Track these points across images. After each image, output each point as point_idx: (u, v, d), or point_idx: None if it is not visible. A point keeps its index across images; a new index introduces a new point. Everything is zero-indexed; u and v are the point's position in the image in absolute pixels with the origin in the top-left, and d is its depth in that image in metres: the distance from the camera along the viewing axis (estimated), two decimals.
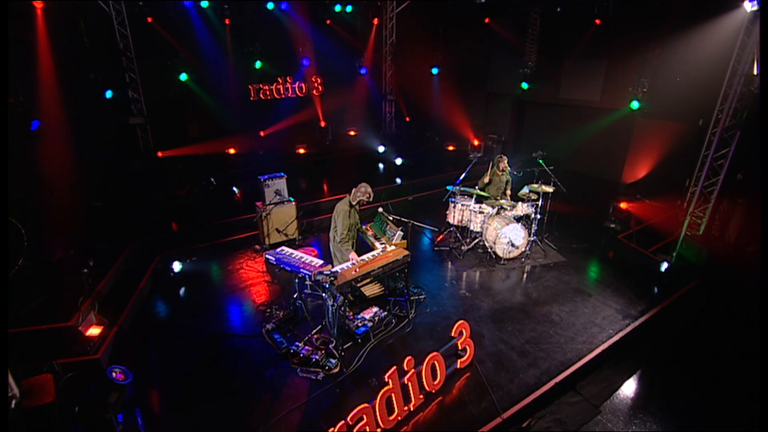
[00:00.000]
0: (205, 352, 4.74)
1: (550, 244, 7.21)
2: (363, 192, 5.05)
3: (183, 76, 10.10)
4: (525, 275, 6.43)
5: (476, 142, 12.46)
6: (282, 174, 7.14)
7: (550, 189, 6.75)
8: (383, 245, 5.31)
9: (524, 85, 11.11)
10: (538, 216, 6.81)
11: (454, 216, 7.17)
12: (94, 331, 4.78)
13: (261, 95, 11.91)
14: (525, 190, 6.85)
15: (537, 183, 6.85)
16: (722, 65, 6.48)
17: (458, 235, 7.24)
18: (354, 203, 5.10)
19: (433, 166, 11.71)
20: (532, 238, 6.88)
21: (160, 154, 10.00)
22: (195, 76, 10.34)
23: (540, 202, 6.78)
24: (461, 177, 6.96)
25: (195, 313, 5.44)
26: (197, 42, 10.32)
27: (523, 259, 6.76)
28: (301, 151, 12.26)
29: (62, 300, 4.96)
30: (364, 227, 5.62)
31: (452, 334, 4.52)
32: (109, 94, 8.87)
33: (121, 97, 9.36)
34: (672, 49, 8.40)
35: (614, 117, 9.93)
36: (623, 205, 8.38)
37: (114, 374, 3.98)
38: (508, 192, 7.40)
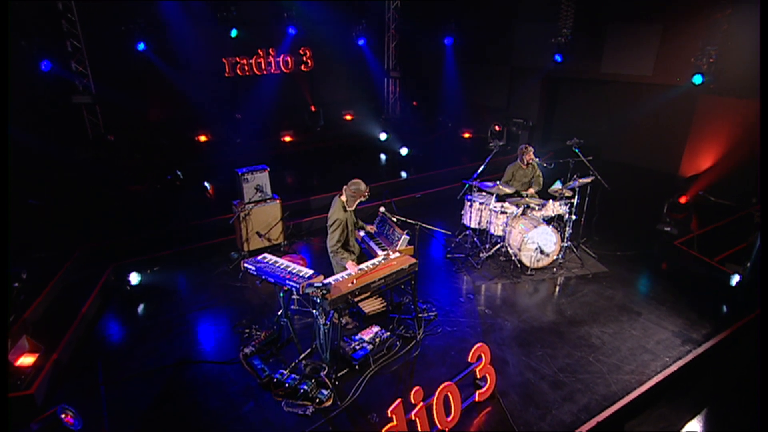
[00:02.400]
0: (168, 383, 4.74)
1: (589, 251, 7.21)
2: (354, 191, 5.06)
3: (141, 46, 10.01)
4: (557, 288, 6.43)
5: (498, 128, 12.49)
6: (264, 166, 7.18)
7: (588, 181, 6.76)
8: (386, 252, 5.32)
9: (557, 58, 11.10)
10: (574, 217, 6.82)
11: (470, 217, 7.18)
12: (26, 360, 4.70)
13: (238, 71, 11.97)
14: (557, 185, 6.86)
15: (572, 177, 6.86)
16: None
17: (476, 239, 7.25)
18: (352, 208, 5.13)
19: (445, 157, 11.75)
20: (565, 244, 6.88)
21: (111, 138, 9.97)
22: (156, 45, 10.31)
23: (576, 200, 6.78)
24: (479, 170, 6.99)
25: (156, 335, 5.45)
26: (159, 3, 10.24)
27: (554, 269, 6.76)
28: (287, 139, 12.33)
29: None
30: (365, 226, 5.62)
31: (469, 360, 4.52)
32: (46, 66, 8.69)
33: (62, 70, 9.26)
34: (746, 8, 8.27)
35: (671, 95, 9.89)
36: (682, 202, 8.34)
37: (64, 416, 3.92)
38: (532, 190, 7.41)
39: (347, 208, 5.12)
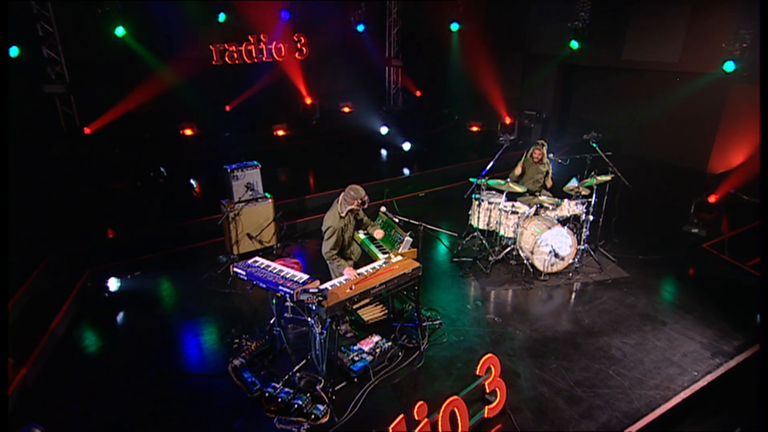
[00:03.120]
0: (149, 399, 4.74)
1: (608, 255, 7.22)
2: (351, 199, 5.07)
3: (120, 31, 9.99)
4: (573, 295, 6.43)
5: (508, 121, 12.51)
6: (255, 163, 7.20)
7: (607, 178, 6.77)
8: (387, 255, 5.33)
9: (574, 44, 11.10)
10: (591, 217, 6.83)
11: (478, 217, 7.20)
12: None
13: (226, 58, 12.01)
14: (573, 183, 6.87)
15: (590, 174, 6.87)
16: None
17: (484, 242, 7.26)
18: (344, 215, 5.15)
19: (451, 152, 11.77)
20: (582, 247, 6.89)
21: (87, 131, 9.96)
22: (136, 30, 10.31)
23: (593, 199, 6.79)
24: (488, 167, 6.99)
25: (137, 346, 5.46)
26: None
27: (570, 274, 6.77)
28: (281, 132, 12.37)
29: None
30: (371, 224, 5.63)
31: (477, 372, 4.52)
32: (14, 51, 8.60)
33: (32, 56, 9.21)
34: None
35: (699, 84, 9.87)
36: (711, 200, 8.32)
37: None
38: (549, 184, 7.42)
39: (342, 215, 5.14)
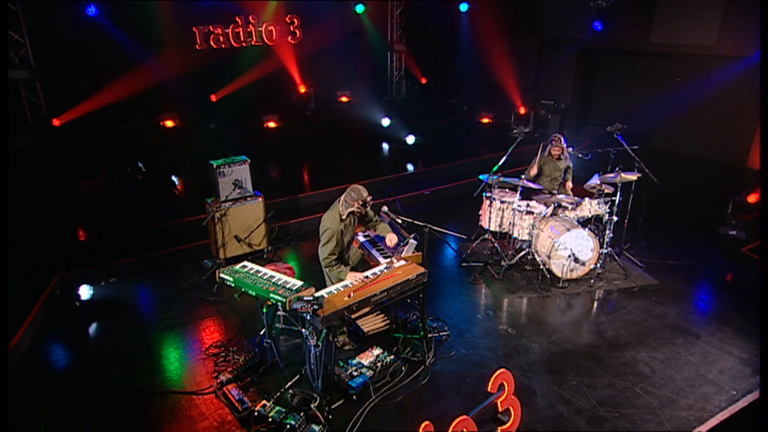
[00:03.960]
0: (125, 419, 4.75)
1: (634, 259, 7.22)
2: (352, 201, 5.09)
3: (92, 10, 9.99)
4: (595, 304, 6.43)
5: (523, 111, 12.52)
6: (244, 158, 7.22)
7: (633, 178, 6.76)
8: (389, 259, 5.34)
9: (597, 26, 11.09)
10: (615, 218, 6.83)
11: (490, 218, 7.20)
12: None
13: (212, 42, 12.05)
14: (595, 180, 6.88)
15: (613, 170, 6.87)
16: None
17: (496, 245, 7.27)
18: (345, 217, 5.17)
19: (459, 146, 11.78)
20: (605, 251, 6.89)
21: (56, 122, 9.96)
22: (110, 9, 10.29)
23: (617, 198, 6.79)
24: (500, 162, 7.00)
25: (112, 361, 5.46)
26: None
27: (592, 281, 6.77)
28: (272, 124, 12.41)
29: None
30: (378, 222, 5.62)
31: (489, 389, 4.52)
32: None
33: None
34: None
35: (738, 69, 9.82)
36: (751, 200, 8.28)
37: None
38: (569, 183, 7.42)
39: (343, 218, 5.16)
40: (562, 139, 7.30)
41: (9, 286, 5.03)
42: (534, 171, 7.33)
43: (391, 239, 5.47)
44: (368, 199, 5.12)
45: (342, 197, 5.17)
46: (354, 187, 5.14)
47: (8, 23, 5.33)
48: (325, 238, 5.11)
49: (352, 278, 4.95)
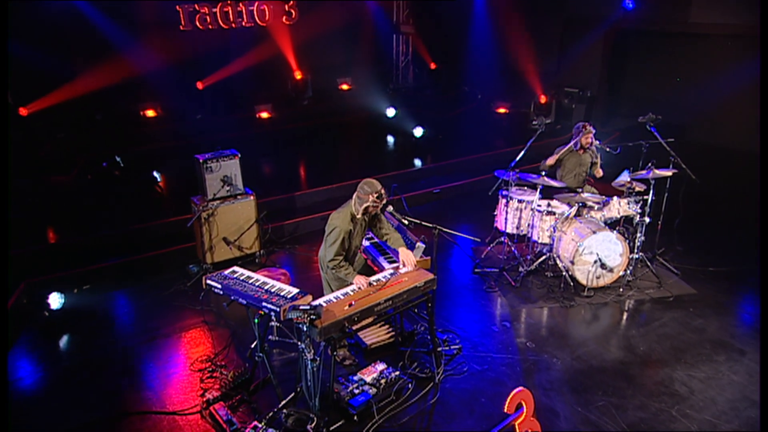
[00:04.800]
0: None
1: (669, 266, 7.20)
2: (365, 195, 5.03)
3: None
4: (625, 316, 6.42)
5: (544, 100, 12.51)
6: (233, 152, 7.24)
7: (667, 174, 6.74)
8: (395, 265, 5.35)
9: (629, 4, 11.04)
10: (647, 219, 6.82)
11: (506, 219, 7.20)
12: None
13: (197, 23, 12.07)
14: (624, 176, 6.87)
15: (646, 165, 6.86)
16: None
17: (513, 249, 7.27)
18: (359, 215, 5.13)
19: (473, 139, 11.76)
20: (636, 256, 6.88)
21: (24, 111, 9.97)
22: None
23: (650, 197, 6.78)
24: (518, 157, 7.01)
25: (86, 377, 5.45)
26: None
27: (621, 290, 6.76)
28: (264, 115, 12.44)
29: None
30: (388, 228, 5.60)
31: (506, 410, 4.52)
32: None
33: None
34: None
35: None
36: None
37: None
38: (599, 173, 7.39)
39: (356, 216, 5.13)
40: (592, 127, 7.25)
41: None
42: (552, 161, 7.28)
43: (407, 258, 5.21)
44: (381, 190, 5.06)
45: (353, 198, 5.14)
46: (366, 180, 5.09)
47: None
48: (332, 238, 5.07)
49: (359, 283, 4.94)
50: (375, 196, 5.00)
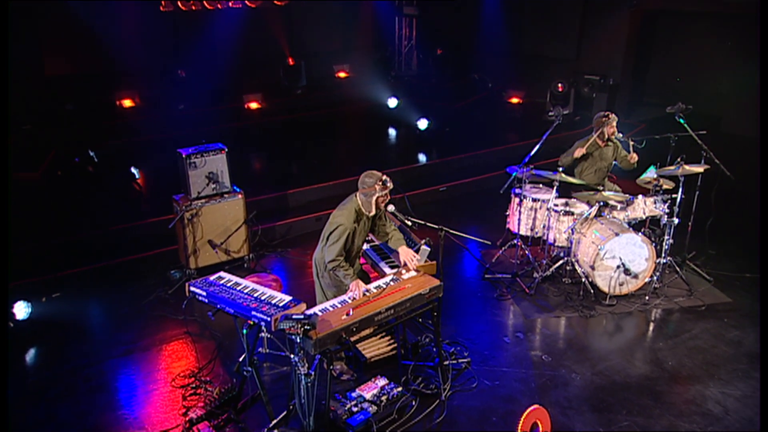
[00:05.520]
0: None
1: (700, 271, 7.20)
2: (371, 186, 4.99)
3: None
4: (652, 327, 6.41)
5: (561, 89, 12.50)
6: (220, 146, 7.25)
7: (699, 170, 6.73)
8: (396, 270, 5.35)
9: None
10: (676, 220, 6.81)
11: (519, 219, 7.20)
12: None
13: (179, 3, 12.08)
14: (651, 173, 6.87)
15: (675, 161, 6.85)
16: None
17: (527, 253, 7.27)
18: (373, 210, 5.12)
19: (483, 132, 11.77)
20: (663, 260, 6.87)
21: None
22: None
23: (679, 196, 6.78)
24: (533, 151, 7.00)
25: (55, 394, 5.43)
26: None
27: (647, 298, 6.75)
28: (254, 105, 12.46)
29: None
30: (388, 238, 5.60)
31: (519, 430, 4.53)
32: None
33: None
34: None
35: None
36: None
37: None
38: (634, 158, 7.34)
39: (361, 213, 5.11)
40: (615, 121, 7.23)
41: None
42: (580, 152, 7.23)
43: (408, 257, 5.28)
44: (385, 177, 5.05)
45: (357, 194, 5.13)
46: (364, 173, 5.10)
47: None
48: (335, 237, 5.04)
49: (356, 289, 4.93)
50: (380, 184, 4.99)
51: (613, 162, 7.44)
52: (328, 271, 5.21)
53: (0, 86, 5.01)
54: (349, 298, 4.88)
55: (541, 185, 7.44)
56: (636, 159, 7.25)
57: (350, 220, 5.07)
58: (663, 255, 6.85)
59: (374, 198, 5.05)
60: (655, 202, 6.83)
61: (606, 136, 7.20)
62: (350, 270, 5.10)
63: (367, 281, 5.33)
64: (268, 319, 4.46)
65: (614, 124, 7.17)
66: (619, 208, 6.85)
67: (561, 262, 7.00)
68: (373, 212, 5.14)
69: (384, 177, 5.06)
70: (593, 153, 7.33)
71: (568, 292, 6.85)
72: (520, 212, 7.21)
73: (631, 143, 7.27)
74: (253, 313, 4.55)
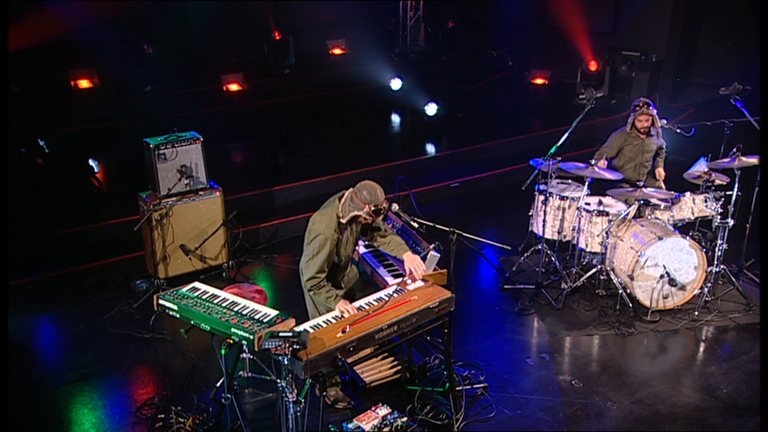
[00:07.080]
0: None
1: (760, 282, 7.20)
2: (362, 203, 4.95)
3: None
4: (702, 347, 6.42)
5: (594, 67, 12.48)
6: (194, 135, 7.27)
7: (757, 162, 6.71)
8: (400, 279, 5.37)
9: None
10: (730, 222, 6.80)
11: (545, 221, 7.22)
12: None
13: None
14: (701, 166, 6.88)
15: (729, 152, 6.85)
16: None
17: (554, 259, 7.29)
18: (345, 220, 5.08)
19: (502, 119, 11.79)
20: (715, 269, 6.88)
21: None
22: None
23: (735, 193, 6.78)
24: (560, 141, 7.00)
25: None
26: None
27: (696, 313, 6.76)
28: (234, 87, 12.46)
29: None
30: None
31: None
32: None
33: None
34: None
35: None
36: None
37: None
38: (661, 170, 7.41)
39: (342, 221, 5.06)
40: (652, 106, 7.25)
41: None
42: (613, 151, 7.30)
43: (415, 265, 5.24)
44: (383, 205, 4.99)
45: (346, 193, 5.09)
46: (368, 184, 5.01)
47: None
48: (314, 248, 5.01)
49: (343, 309, 4.92)
50: (372, 208, 4.94)
51: (654, 157, 7.45)
52: (307, 291, 5.20)
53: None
54: (337, 317, 4.86)
55: (570, 180, 7.45)
56: (663, 176, 7.31)
57: (331, 229, 4.99)
58: (715, 262, 6.83)
59: (354, 213, 4.97)
60: (705, 201, 6.85)
61: (641, 128, 7.21)
62: (332, 291, 5.07)
63: (367, 292, 5.34)
64: (251, 337, 4.47)
65: (647, 113, 7.15)
66: (662, 207, 6.87)
67: (594, 270, 7.01)
68: (346, 221, 5.04)
69: (383, 204, 4.98)
70: (633, 144, 7.32)
71: (603, 306, 6.87)
72: (545, 212, 7.21)
73: (678, 131, 7.27)
74: (233, 330, 4.56)
